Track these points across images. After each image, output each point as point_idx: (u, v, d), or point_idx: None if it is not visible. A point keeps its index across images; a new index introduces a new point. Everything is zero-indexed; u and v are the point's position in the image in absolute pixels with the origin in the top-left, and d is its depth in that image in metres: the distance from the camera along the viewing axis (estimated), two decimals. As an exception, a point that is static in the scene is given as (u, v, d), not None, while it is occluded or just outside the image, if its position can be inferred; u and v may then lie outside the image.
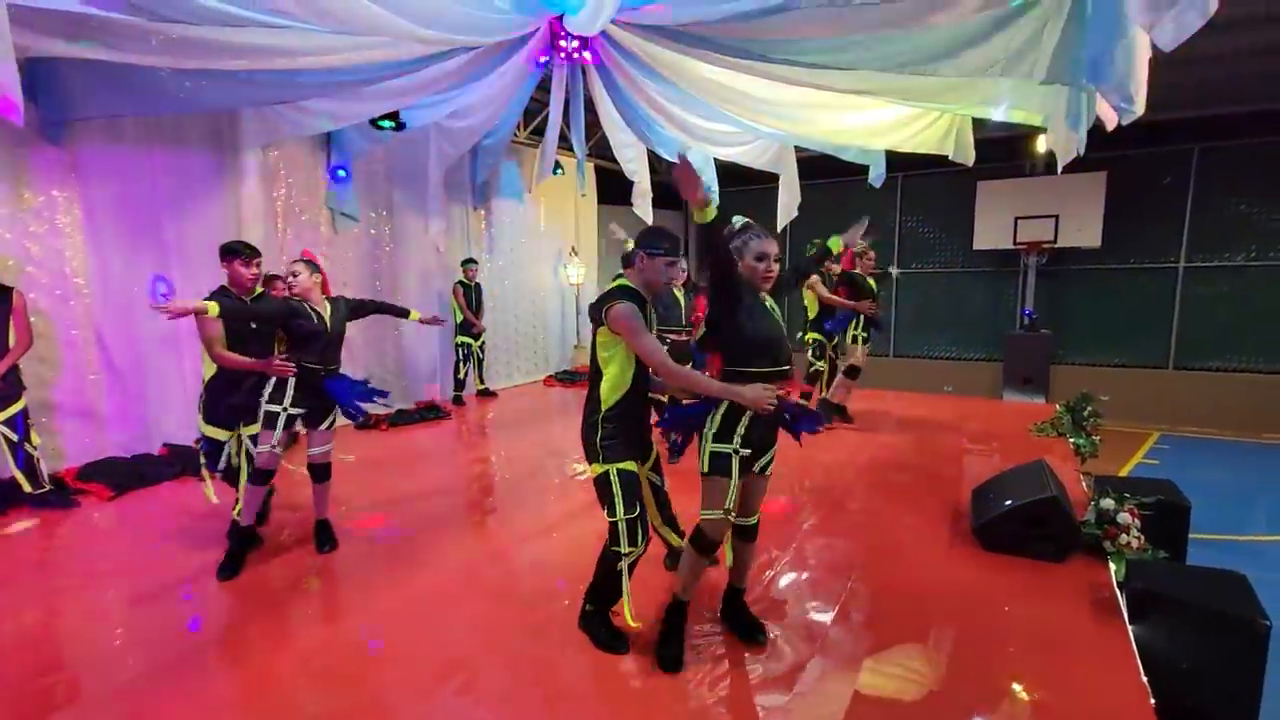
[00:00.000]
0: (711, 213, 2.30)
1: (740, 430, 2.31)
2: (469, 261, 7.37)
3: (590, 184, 9.38)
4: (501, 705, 2.23)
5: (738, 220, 2.55)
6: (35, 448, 4.07)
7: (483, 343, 7.55)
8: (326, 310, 3.35)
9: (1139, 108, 2.99)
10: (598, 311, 2.42)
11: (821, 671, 2.40)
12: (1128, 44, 2.92)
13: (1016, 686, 2.31)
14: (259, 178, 5.76)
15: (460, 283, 7.31)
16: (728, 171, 7.63)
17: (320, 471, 3.51)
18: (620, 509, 2.38)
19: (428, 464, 5.37)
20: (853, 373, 6.11)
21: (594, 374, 2.48)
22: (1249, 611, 2.37)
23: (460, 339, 7.41)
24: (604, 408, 2.42)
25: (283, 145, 5.93)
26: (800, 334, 6.38)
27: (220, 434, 3.48)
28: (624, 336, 2.35)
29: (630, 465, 2.44)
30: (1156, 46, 2.80)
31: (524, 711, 2.20)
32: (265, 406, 3.26)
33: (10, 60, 2.46)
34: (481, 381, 7.81)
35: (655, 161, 7.41)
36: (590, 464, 2.46)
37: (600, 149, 8.38)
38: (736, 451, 2.32)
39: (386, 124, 5.90)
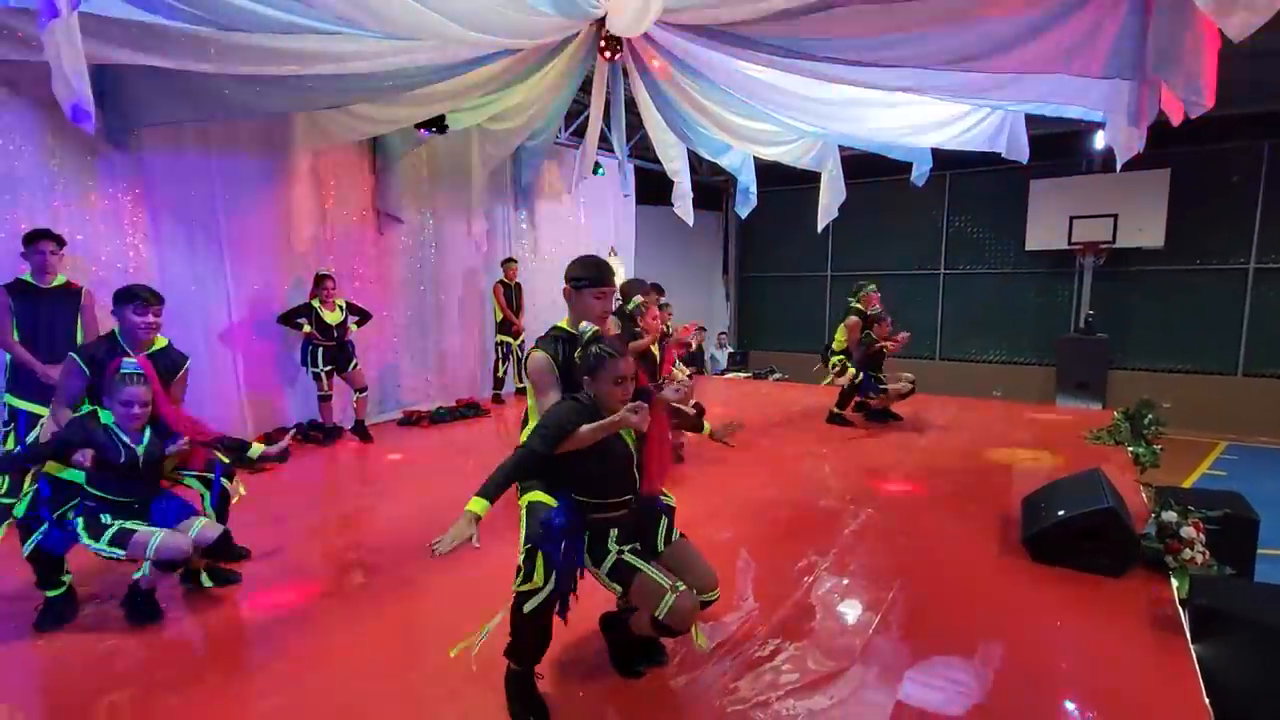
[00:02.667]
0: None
1: (611, 540, 2.13)
2: (509, 261, 7.46)
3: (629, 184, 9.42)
4: (537, 702, 2.24)
5: (586, 327, 2.18)
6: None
7: (522, 342, 7.64)
8: (144, 441, 2.73)
9: (1209, 100, 2.84)
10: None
11: (861, 680, 2.34)
12: (1196, 34, 2.78)
13: (1070, 705, 2.21)
14: (308, 180, 5.95)
15: (501, 282, 7.41)
16: (767, 171, 7.55)
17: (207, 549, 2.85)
18: (523, 540, 2.13)
19: (467, 461, 5.46)
20: (907, 394, 6.21)
21: (525, 424, 2.30)
22: (1320, 634, 2.23)
23: (500, 338, 7.51)
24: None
25: (331, 148, 6.11)
26: (828, 359, 6.34)
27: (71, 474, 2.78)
28: (531, 389, 2.21)
29: (542, 499, 2.17)
30: (1226, 38, 2.66)
31: (558, 715, 2.21)
32: (93, 544, 2.63)
33: (83, 68, 2.58)
34: (520, 380, 7.90)
35: (696, 162, 7.39)
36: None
37: (640, 149, 8.40)
38: (622, 552, 2.12)
39: (431, 129, 6.04)
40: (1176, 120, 3.66)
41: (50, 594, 2.79)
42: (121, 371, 2.69)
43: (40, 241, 3.83)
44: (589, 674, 2.38)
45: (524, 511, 2.18)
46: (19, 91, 4.26)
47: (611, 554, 2.12)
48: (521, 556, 2.11)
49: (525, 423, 2.35)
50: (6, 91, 4.23)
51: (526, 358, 2.22)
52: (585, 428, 2.02)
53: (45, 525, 2.74)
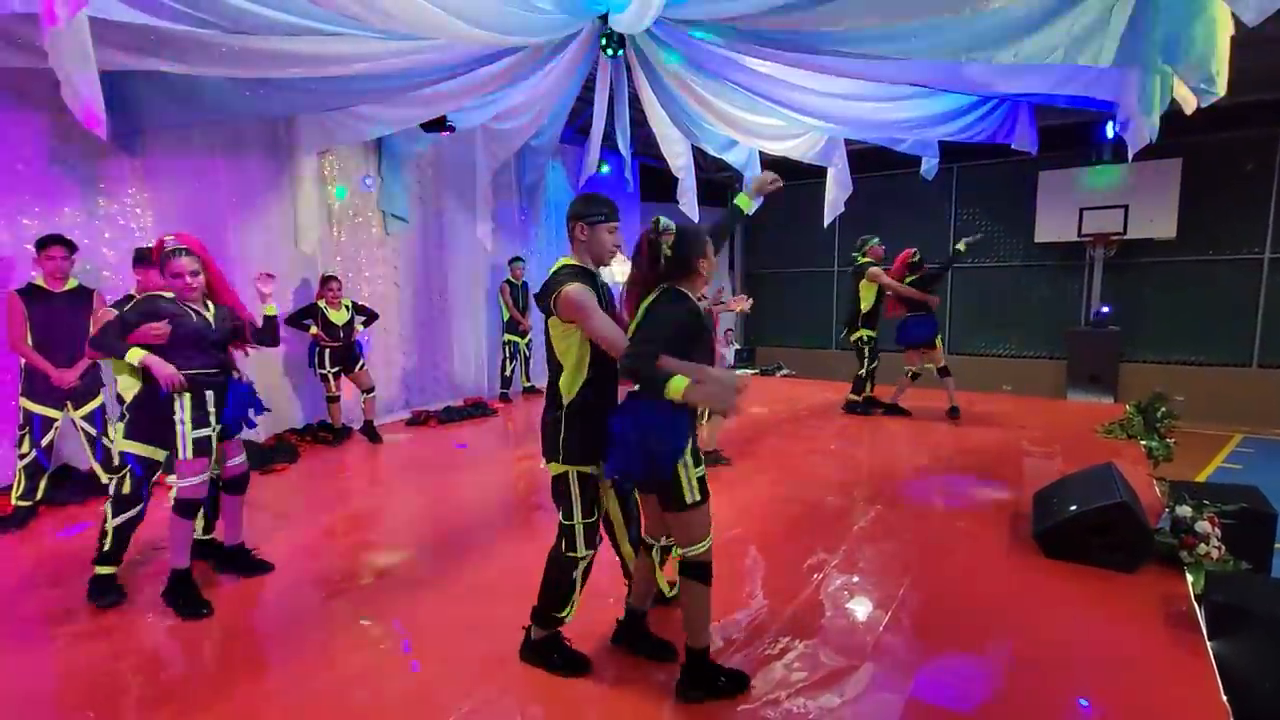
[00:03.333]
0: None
1: (692, 442, 2.14)
2: (515, 260, 7.47)
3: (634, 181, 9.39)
4: (549, 705, 2.24)
5: (667, 223, 2.17)
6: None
7: (529, 340, 7.65)
8: (210, 311, 2.96)
9: (1220, 89, 2.80)
10: (546, 299, 2.18)
11: (871, 679, 2.33)
12: (1208, 21, 2.73)
13: (1083, 702, 2.19)
14: (314, 182, 5.97)
15: (508, 281, 7.42)
16: (772, 167, 7.51)
17: (239, 484, 3.17)
18: (578, 513, 2.26)
19: (475, 461, 5.47)
20: (945, 372, 6.14)
21: (553, 367, 2.28)
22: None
23: (508, 337, 7.52)
24: (565, 401, 2.23)
25: (336, 150, 6.13)
26: (845, 331, 6.29)
27: (158, 453, 2.95)
28: (577, 322, 2.14)
29: (590, 469, 2.27)
30: (1239, 24, 2.61)
31: (572, 713, 2.20)
32: (194, 433, 2.84)
33: (93, 74, 2.58)
34: (528, 379, 7.91)
35: (701, 158, 7.35)
36: (549, 461, 2.29)
37: (644, 146, 8.37)
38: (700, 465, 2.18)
39: (435, 130, 6.04)
40: (1190, 109, 3.60)
41: (102, 571, 2.94)
42: (168, 248, 2.85)
43: (52, 247, 3.86)
44: (599, 674, 2.38)
45: (575, 481, 2.26)
46: (27, 98, 4.29)
47: (702, 466, 2.21)
48: (579, 526, 2.27)
49: (557, 370, 2.28)
50: (15, 99, 4.26)
51: (557, 295, 2.13)
52: (684, 366, 1.97)
53: (141, 505, 2.95)
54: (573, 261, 2.28)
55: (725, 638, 2.57)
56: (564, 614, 2.35)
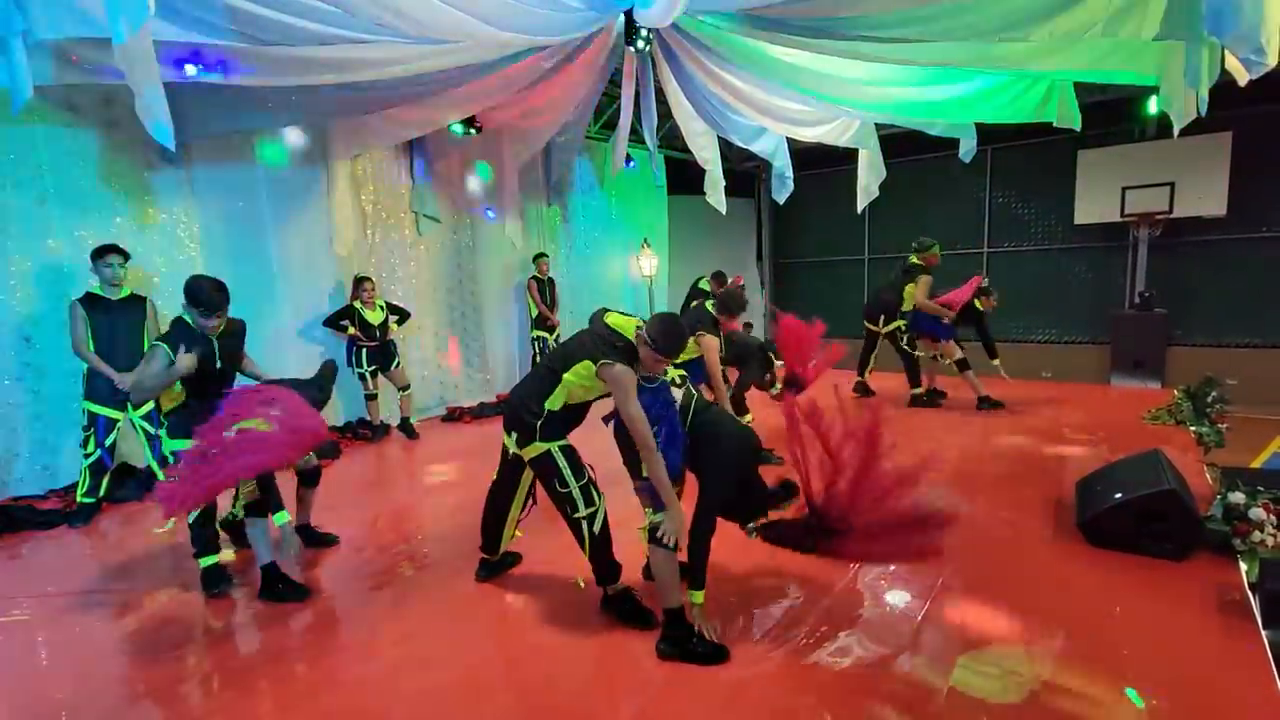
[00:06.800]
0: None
1: None
2: (540, 256, 7.52)
3: (660, 175, 9.38)
4: (586, 691, 2.29)
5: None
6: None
7: (558, 336, 7.71)
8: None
9: (1272, 59, 2.69)
10: (597, 352, 2.51)
11: (911, 667, 2.32)
12: (1256, -12, 2.62)
13: (1131, 692, 2.15)
14: (348, 185, 6.10)
15: (534, 277, 7.48)
16: (800, 155, 7.43)
17: (312, 476, 3.60)
18: (571, 478, 2.61)
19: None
20: (965, 365, 6.24)
21: (549, 375, 2.62)
22: None
23: (536, 333, 7.59)
24: (547, 410, 2.62)
25: (369, 153, 6.25)
26: (880, 320, 6.45)
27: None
28: (616, 397, 2.49)
29: (563, 442, 2.67)
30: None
31: (602, 709, 2.25)
32: None
33: (159, 86, 2.64)
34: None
35: (727, 149, 7.29)
36: (525, 446, 2.65)
37: (670, 139, 8.35)
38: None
39: (462, 130, 6.12)
40: (1242, 81, 3.45)
41: (205, 563, 3.16)
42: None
43: (109, 255, 4.04)
44: (635, 673, 2.42)
45: (558, 453, 2.64)
46: (80, 115, 4.48)
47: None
48: (575, 490, 2.60)
49: (552, 380, 2.63)
50: (70, 116, 4.45)
51: (612, 367, 2.48)
52: None
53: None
54: (631, 341, 2.53)
55: (762, 628, 2.59)
56: (617, 570, 2.68)
